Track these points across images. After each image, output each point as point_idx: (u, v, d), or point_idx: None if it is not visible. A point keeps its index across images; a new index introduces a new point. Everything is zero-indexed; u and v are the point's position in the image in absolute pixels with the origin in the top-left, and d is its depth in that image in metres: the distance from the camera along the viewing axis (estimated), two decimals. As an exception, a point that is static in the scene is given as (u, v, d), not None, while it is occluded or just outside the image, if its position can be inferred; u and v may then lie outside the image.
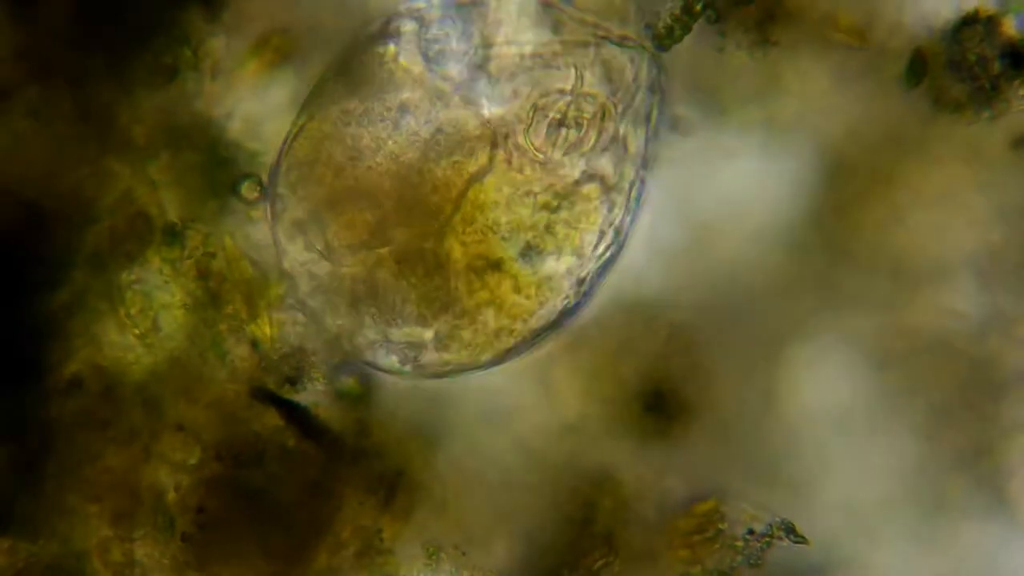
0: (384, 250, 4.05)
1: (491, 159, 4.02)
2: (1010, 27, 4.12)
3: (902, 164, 4.16)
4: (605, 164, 4.06)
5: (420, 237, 4.03)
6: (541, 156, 4.04)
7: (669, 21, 4.09)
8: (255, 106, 4.16)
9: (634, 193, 4.07)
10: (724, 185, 4.17)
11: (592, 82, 4.06)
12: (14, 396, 4.00)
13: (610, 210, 4.06)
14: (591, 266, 4.08)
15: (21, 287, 4.02)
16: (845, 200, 4.17)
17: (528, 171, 4.04)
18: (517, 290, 4.04)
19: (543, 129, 4.06)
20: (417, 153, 4.04)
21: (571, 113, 4.05)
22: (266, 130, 4.16)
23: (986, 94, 4.11)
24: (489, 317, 4.06)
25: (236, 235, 4.14)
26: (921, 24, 4.13)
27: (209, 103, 4.14)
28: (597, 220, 4.06)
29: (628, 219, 4.08)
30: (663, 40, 4.07)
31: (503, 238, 4.02)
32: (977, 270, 4.16)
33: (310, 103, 4.10)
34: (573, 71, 4.06)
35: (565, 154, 4.04)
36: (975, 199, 4.16)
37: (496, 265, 4.03)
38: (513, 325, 4.06)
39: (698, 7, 4.08)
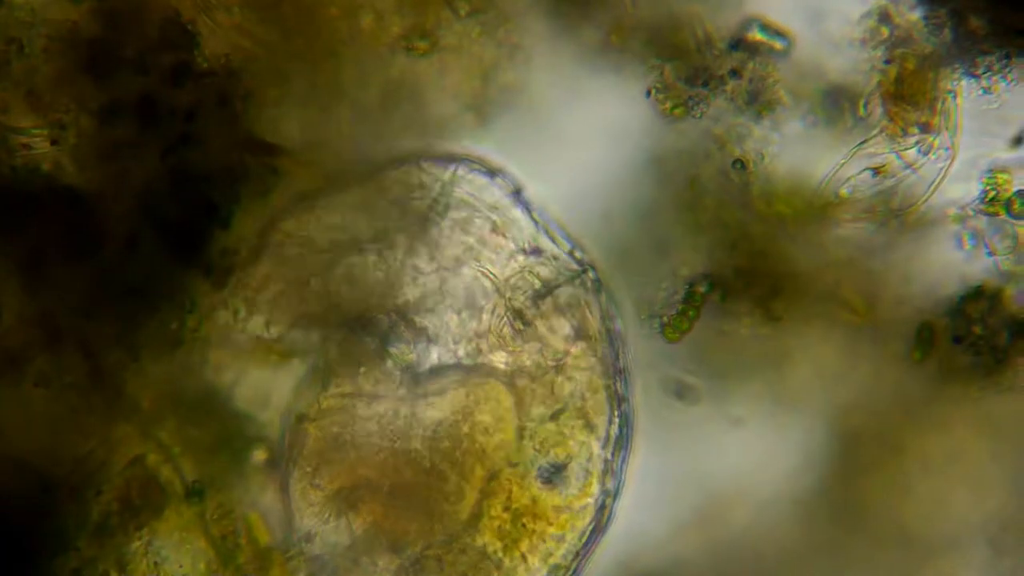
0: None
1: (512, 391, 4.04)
2: (1015, 300, 4.12)
3: (911, 433, 4.16)
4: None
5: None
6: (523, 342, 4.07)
7: (677, 311, 4.10)
8: (262, 375, 4.16)
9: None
10: (732, 453, 4.17)
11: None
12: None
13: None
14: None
15: (28, 555, 4.00)
16: (854, 470, 4.17)
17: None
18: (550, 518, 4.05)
19: (508, 328, 4.08)
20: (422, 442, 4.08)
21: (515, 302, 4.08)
22: (275, 398, 4.15)
23: (993, 366, 4.11)
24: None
25: (256, 499, 4.13)
26: (927, 297, 4.14)
27: (216, 371, 4.14)
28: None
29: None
30: (670, 332, 4.08)
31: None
32: (988, 540, 4.14)
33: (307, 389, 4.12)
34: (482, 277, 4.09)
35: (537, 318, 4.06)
36: (986, 468, 4.16)
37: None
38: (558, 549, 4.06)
39: (701, 288, 4.09)
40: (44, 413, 4.04)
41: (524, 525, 4.12)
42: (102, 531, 4.07)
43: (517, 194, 4.16)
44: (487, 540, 4.10)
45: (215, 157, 4.06)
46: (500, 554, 4.10)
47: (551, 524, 4.10)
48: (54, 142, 4.02)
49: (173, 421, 4.13)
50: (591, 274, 4.17)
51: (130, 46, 4.04)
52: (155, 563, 4.11)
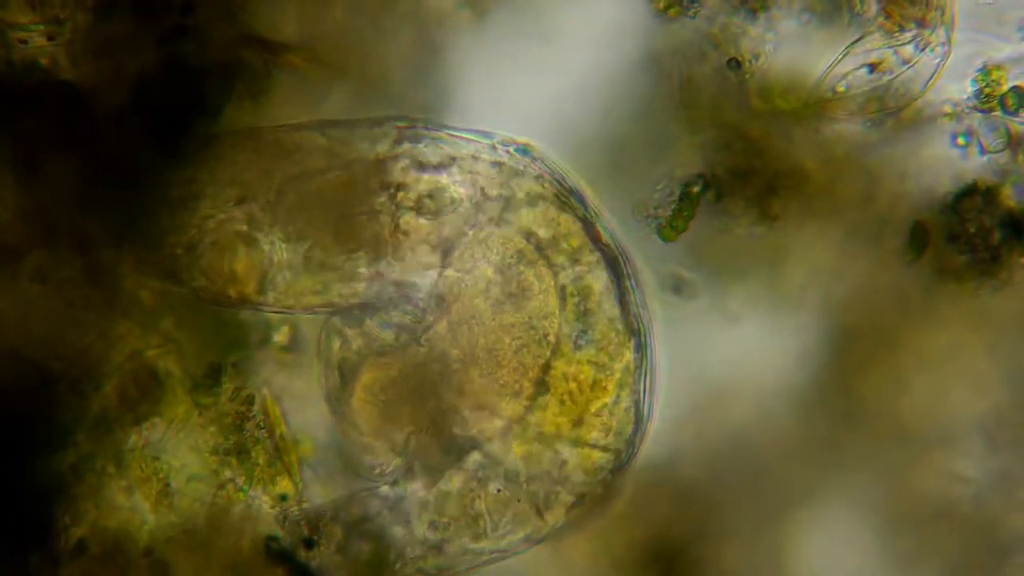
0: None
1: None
2: (1009, 197, 4.12)
3: (907, 329, 4.17)
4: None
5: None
6: None
7: (672, 211, 4.10)
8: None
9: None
10: (731, 349, 4.18)
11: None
12: (21, 559, 3.99)
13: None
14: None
15: (27, 449, 4.01)
16: (851, 365, 4.18)
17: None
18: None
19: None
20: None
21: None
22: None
23: (987, 264, 4.12)
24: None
25: (274, 381, 4.14)
26: (922, 196, 4.14)
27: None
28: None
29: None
30: (667, 232, 4.08)
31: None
32: (984, 433, 4.16)
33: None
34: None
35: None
36: (981, 363, 4.17)
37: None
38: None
39: (696, 188, 4.09)
40: (42, 308, 4.03)
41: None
42: (100, 426, 4.06)
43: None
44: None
45: (212, 51, 4.04)
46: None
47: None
48: (51, 38, 4.00)
49: (172, 315, 4.11)
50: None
51: (126, -62, 4.02)
52: (153, 457, 4.10)
